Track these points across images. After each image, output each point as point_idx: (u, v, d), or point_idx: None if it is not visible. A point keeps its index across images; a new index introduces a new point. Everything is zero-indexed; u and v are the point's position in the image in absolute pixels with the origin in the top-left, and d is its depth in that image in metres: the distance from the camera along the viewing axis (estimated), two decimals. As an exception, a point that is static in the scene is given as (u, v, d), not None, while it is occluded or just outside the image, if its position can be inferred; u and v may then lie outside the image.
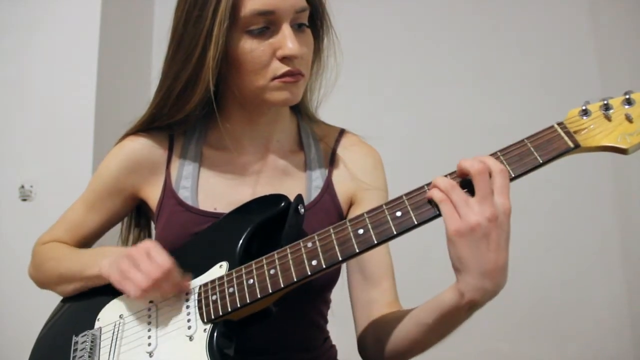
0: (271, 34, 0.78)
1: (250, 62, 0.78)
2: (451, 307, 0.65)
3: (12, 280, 1.73)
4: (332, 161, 0.92)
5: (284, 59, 0.78)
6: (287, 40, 0.77)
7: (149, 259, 0.73)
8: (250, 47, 0.78)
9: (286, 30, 0.77)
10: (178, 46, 0.81)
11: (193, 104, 0.81)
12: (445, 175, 0.65)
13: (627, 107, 0.64)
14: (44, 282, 0.93)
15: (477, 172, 0.61)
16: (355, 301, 0.89)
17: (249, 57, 0.78)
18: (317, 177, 0.90)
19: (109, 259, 0.78)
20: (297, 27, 0.80)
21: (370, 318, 0.84)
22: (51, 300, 0.92)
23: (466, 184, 0.64)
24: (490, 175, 0.62)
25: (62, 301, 0.91)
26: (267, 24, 0.77)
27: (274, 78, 0.79)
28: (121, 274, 0.74)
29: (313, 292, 0.86)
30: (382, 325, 0.80)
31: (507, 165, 0.64)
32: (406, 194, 0.67)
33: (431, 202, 0.65)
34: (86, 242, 0.95)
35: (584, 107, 0.66)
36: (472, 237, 0.60)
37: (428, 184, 0.66)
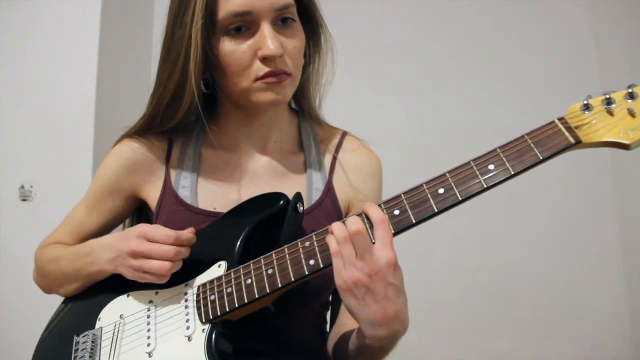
0: (251, 34, 0.77)
1: (231, 64, 0.77)
2: (361, 346, 0.70)
3: (12, 280, 1.73)
4: (332, 164, 0.91)
5: (265, 60, 0.76)
6: (267, 40, 0.75)
7: (153, 243, 0.73)
8: (230, 49, 0.77)
9: (265, 29, 0.76)
10: (167, 54, 0.81)
11: (182, 112, 0.81)
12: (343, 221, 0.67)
13: (629, 101, 0.62)
14: (48, 285, 0.93)
15: (352, 233, 0.63)
16: (332, 311, 0.92)
17: (230, 60, 0.77)
18: (318, 180, 0.89)
19: (106, 256, 0.79)
20: (282, 24, 0.78)
21: (336, 332, 0.87)
22: (51, 300, 0.93)
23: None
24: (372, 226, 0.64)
25: (64, 301, 0.91)
26: (247, 25, 0.76)
27: (257, 79, 0.77)
28: (138, 271, 0.75)
29: (312, 295, 0.86)
30: (334, 345, 0.84)
31: (506, 162, 0.63)
32: (404, 192, 0.66)
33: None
34: None
35: (585, 102, 0.64)
36: (356, 292, 0.63)
37: (426, 182, 0.66)
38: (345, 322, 0.86)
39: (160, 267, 0.72)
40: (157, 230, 0.74)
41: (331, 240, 0.65)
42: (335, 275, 0.65)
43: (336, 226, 0.65)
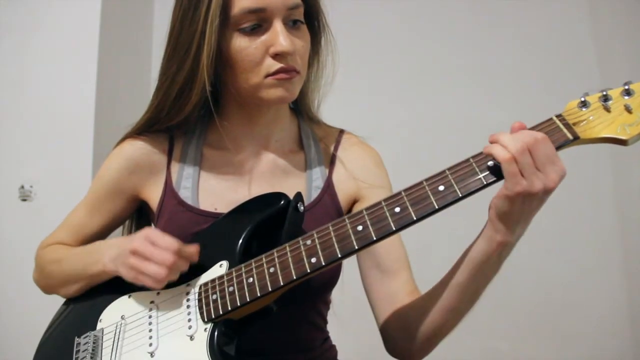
0: (263, 31, 0.78)
1: (243, 60, 0.78)
2: (482, 254, 0.68)
3: (12, 280, 1.73)
4: (332, 162, 0.92)
5: (277, 56, 0.78)
6: (279, 37, 0.77)
7: (155, 247, 0.73)
8: (242, 45, 0.78)
9: (278, 26, 0.77)
10: (174, 48, 0.81)
11: (191, 105, 0.81)
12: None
13: (626, 97, 0.64)
14: (48, 285, 0.93)
15: (538, 140, 0.62)
16: (374, 296, 0.87)
17: (242, 55, 0.78)
18: (318, 177, 0.90)
19: (110, 254, 0.79)
20: (292, 24, 0.80)
21: (393, 309, 0.83)
22: (51, 300, 0.92)
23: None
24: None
25: (65, 303, 0.91)
26: (259, 22, 0.78)
27: (268, 75, 0.79)
28: (134, 271, 0.74)
29: (312, 293, 0.86)
30: (407, 312, 0.80)
31: None
32: (405, 190, 0.67)
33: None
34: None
35: (582, 99, 0.65)
36: (530, 200, 0.62)
37: (427, 179, 0.66)
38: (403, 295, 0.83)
39: (157, 271, 0.72)
40: (162, 236, 0.74)
41: (500, 148, 0.62)
42: (511, 183, 0.61)
43: (508, 138, 0.62)
